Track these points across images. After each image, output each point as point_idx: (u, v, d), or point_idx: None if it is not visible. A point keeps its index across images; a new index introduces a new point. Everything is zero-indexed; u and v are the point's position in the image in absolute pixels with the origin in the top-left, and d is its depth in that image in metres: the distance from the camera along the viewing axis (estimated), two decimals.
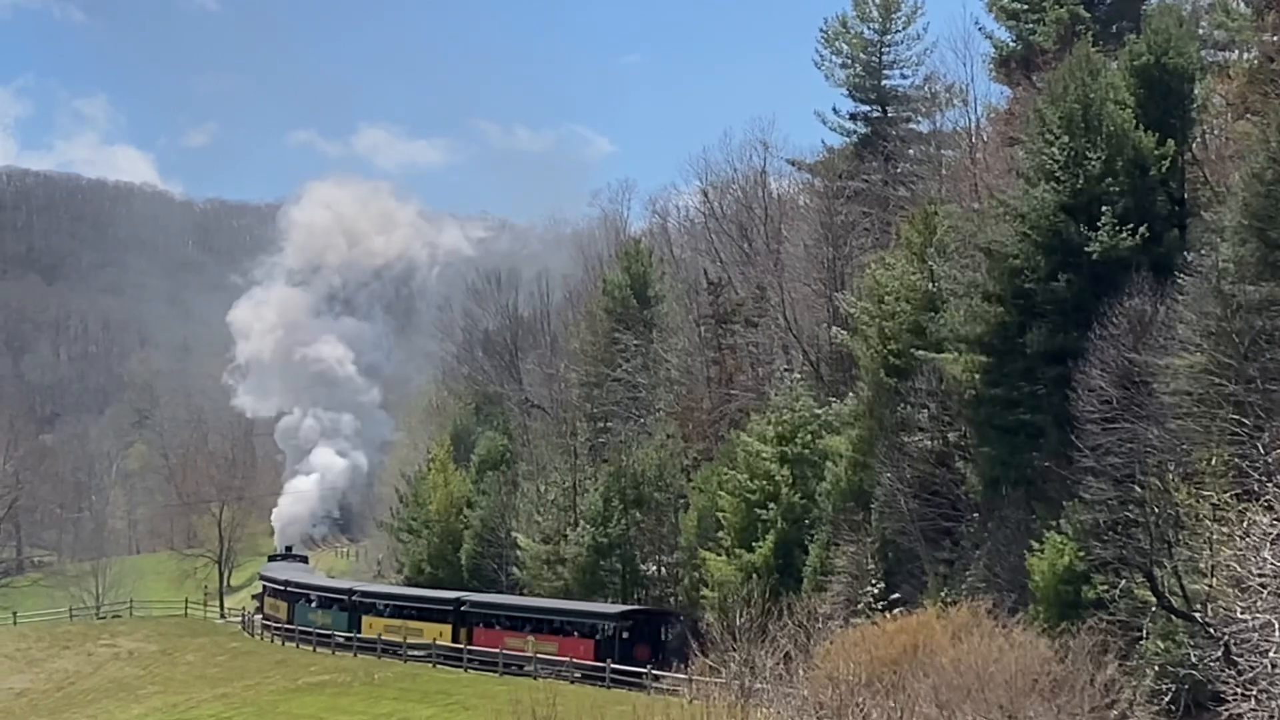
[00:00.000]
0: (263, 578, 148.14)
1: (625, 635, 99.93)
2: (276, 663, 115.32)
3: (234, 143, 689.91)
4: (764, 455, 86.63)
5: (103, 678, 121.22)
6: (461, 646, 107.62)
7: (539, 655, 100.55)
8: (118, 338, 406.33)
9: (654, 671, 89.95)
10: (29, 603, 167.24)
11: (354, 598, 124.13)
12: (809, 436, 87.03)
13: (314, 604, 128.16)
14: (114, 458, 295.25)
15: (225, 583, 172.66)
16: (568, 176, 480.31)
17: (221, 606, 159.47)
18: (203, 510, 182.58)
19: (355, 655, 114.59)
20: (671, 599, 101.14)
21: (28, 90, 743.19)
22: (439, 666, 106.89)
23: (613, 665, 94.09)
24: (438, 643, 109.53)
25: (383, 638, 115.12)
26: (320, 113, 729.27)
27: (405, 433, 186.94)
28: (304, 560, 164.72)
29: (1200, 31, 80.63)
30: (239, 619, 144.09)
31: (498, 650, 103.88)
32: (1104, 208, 67.85)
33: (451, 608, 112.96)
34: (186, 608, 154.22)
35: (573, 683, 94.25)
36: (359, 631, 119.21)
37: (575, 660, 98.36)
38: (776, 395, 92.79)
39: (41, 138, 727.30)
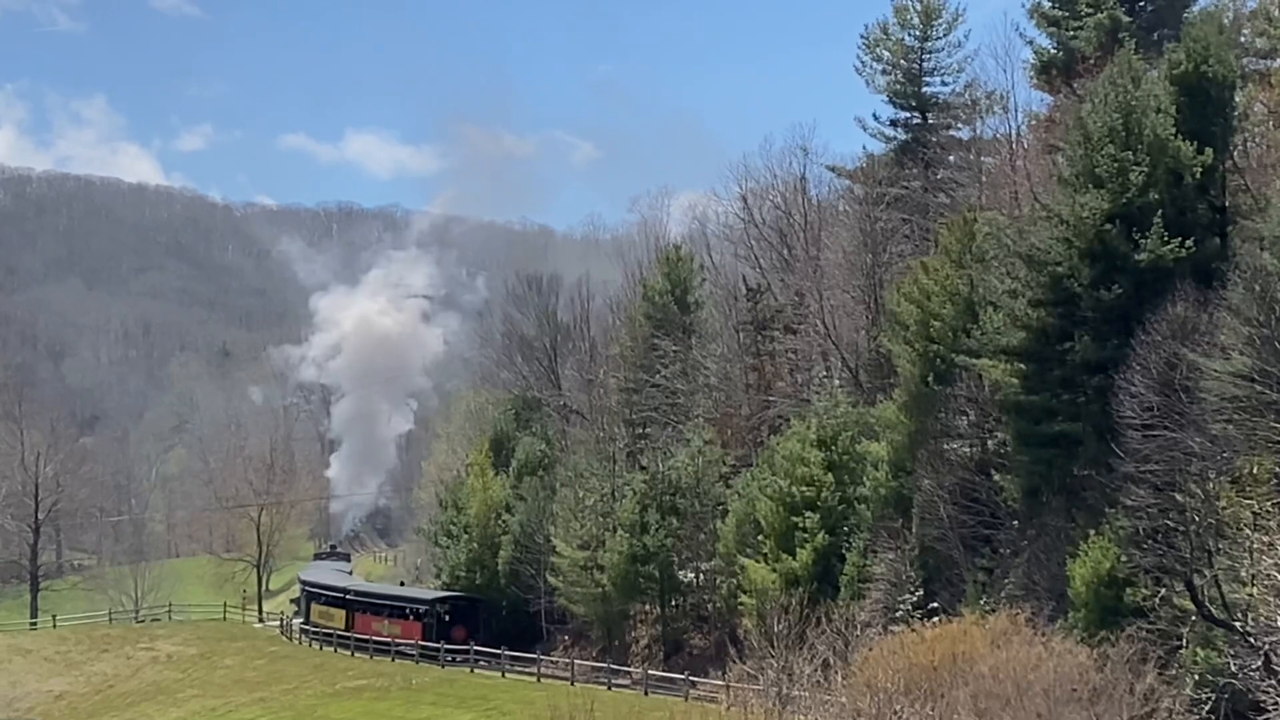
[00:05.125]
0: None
1: (446, 618, 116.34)
2: (314, 667, 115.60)
3: (228, 146, 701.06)
4: (806, 459, 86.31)
5: (141, 681, 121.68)
6: (350, 633, 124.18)
7: (393, 638, 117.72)
8: (157, 342, 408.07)
9: (475, 649, 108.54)
10: (68, 606, 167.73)
11: (307, 589, 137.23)
12: (849, 441, 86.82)
13: (301, 596, 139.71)
14: (153, 461, 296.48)
15: (264, 586, 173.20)
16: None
17: (260, 610, 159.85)
18: (241, 514, 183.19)
19: (301, 642, 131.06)
20: (709, 606, 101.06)
21: (22, 93, 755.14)
22: (338, 651, 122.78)
23: (445, 647, 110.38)
24: (339, 630, 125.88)
25: (315, 623, 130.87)
26: (309, 117, 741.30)
27: (444, 438, 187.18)
28: (345, 558, 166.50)
29: (1241, 39, 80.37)
30: (277, 623, 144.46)
31: (368, 635, 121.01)
32: (1149, 216, 67.57)
33: (342, 595, 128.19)
34: (225, 612, 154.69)
35: (417, 662, 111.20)
36: (308, 619, 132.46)
37: (407, 640, 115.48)
38: (818, 399, 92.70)
39: (41, 137, 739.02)
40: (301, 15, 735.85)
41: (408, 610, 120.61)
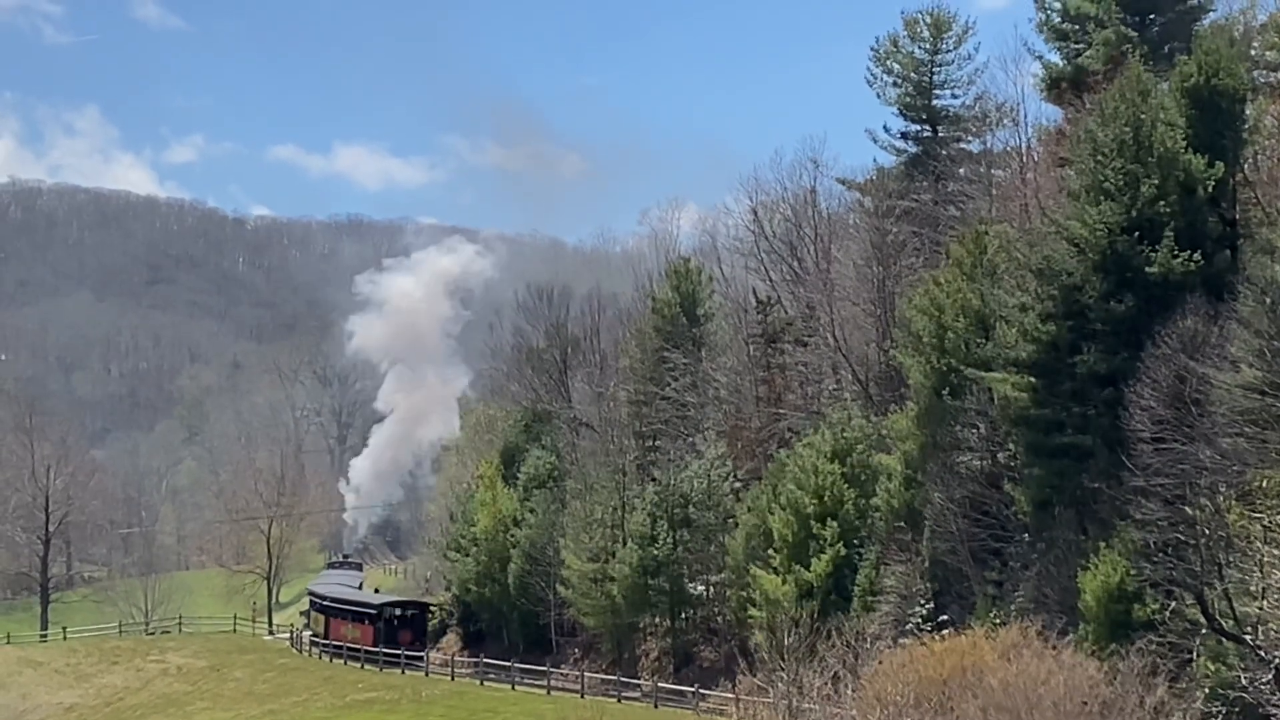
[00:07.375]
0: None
1: (394, 623, 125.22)
2: (324, 679, 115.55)
3: (219, 156, 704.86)
4: (821, 469, 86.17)
5: (151, 694, 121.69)
6: (323, 638, 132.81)
7: (354, 641, 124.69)
8: (168, 354, 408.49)
9: (408, 654, 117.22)
10: (79, 618, 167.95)
11: (312, 598, 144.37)
12: (864, 454, 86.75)
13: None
14: (164, 474, 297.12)
15: (274, 599, 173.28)
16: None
17: (270, 623, 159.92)
18: (251, 526, 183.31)
19: (311, 654, 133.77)
20: (719, 619, 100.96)
21: (13, 105, 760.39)
22: (317, 656, 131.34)
23: (385, 650, 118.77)
24: (319, 636, 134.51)
25: (313, 630, 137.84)
26: (298, 129, 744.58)
27: (454, 451, 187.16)
28: (358, 568, 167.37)
29: (1252, 52, 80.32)
30: (287, 635, 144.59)
31: (338, 639, 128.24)
32: (1159, 229, 67.57)
33: (321, 602, 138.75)
34: (235, 624, 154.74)
35: (362, 666, 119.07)
36: (310, 625, 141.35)
37: (364, 644, 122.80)
38: (832, 411, 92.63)
39: (35, 148, 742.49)
40: (286, 27, 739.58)
41: (365, 616, 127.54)
